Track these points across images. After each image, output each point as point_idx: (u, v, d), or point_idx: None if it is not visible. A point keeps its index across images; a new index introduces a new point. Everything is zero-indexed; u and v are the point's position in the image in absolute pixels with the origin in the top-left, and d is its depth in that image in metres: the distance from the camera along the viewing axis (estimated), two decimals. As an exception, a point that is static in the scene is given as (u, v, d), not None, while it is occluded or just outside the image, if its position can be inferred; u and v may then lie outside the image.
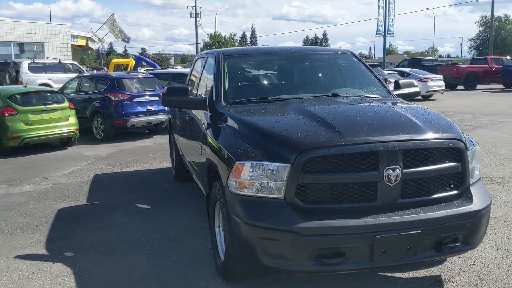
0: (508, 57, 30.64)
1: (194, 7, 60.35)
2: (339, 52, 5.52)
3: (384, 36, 32.98)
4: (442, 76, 21.86)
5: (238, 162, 3.37)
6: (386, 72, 19.23)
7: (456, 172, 3.42)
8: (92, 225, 5.53)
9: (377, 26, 32.42)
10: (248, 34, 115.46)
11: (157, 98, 12.39)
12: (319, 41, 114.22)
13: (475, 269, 4.01)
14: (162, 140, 11.62)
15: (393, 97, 4.78)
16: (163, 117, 12.32)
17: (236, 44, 69.64)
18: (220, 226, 3.91)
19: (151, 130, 13.09)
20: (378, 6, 32.16)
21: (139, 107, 12.11)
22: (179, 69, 21.95)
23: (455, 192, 3.42)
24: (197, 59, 6.18)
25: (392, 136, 3.32)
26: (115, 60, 35.32)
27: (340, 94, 4.60)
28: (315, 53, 5.48)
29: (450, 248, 3.29)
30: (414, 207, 3.29)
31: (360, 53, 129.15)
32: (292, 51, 5.41)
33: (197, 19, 60.66)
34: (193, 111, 5.13)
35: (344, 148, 3.22)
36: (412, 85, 5.10)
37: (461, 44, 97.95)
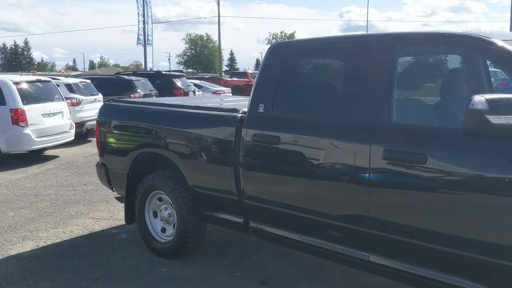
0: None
1: None
2: None
3: (145, 46, 31.08)
4: (230, 89, 21.58)
5: None
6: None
7: None
8: None
9: (138, 35, 30.27)
10: None
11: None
12: (20, 50, 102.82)
13: None
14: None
15: None
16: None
17: None
18: None
19: None
20: (138, 13, 30.06)
21: None
22: None
23: None
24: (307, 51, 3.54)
25: None
26: None
27: None
28: None
29: None
30: None
31: (67, 64, 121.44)
32: None
33: None
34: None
35: None
36: None
37: (169, 59, 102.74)
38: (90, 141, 12.39)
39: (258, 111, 3.56)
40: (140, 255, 4.52)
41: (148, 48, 31.28)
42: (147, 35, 31.28)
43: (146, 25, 30.72)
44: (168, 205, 4.37)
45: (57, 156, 10.12)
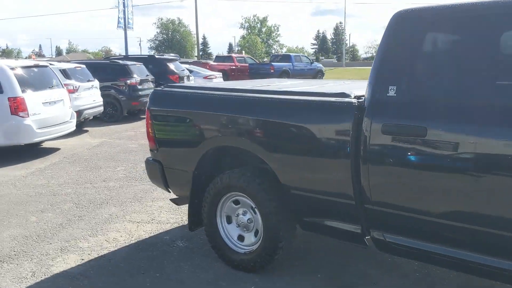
0: (246, 55, 32.11)
1: None
2: None
3: (125, 29, 29.65)
4: (221, 73, 20.74)
5: None
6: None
7: None
8: None
9: (118, 18, 28.82)
10: None
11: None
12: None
13: None
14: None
15: None
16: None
17: None
18: None
19: None
20: (118, -4, 28.64)
21: None
22: None
23: None
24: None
25: None
26: None
27: None
28: None
29: None
30: None
31: (33, 50, 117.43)
32: None
33: None
34: None
35: None
36: None
37: (140, 44, 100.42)
38: (87, 131, 11.52)
39: (388, 95, 2.88)
40: (212, 268, 3.83)
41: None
42: (128, 18, 29.85)
43: (126, 8, 29.28)
44: (248, 209, 3.68)
45: (57, 149, 9.23)
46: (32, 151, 8.91)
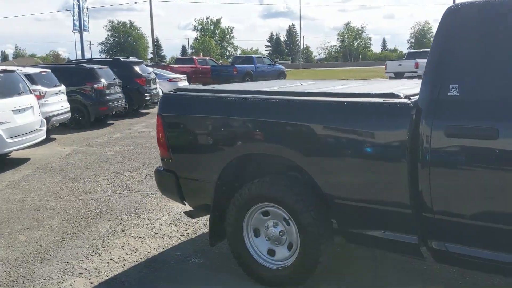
0: (207, 58, 31.69)
1: None
2: None
3: (81, 32, 28.48)
4: (185, 76, 20.28)
5: None
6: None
7: None
8: None
9: (73, 21, 27.61)
10: None
11: None
12: None
13: None
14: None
15: None
16: None
17: None
18: None
19: None
20: (73, -2, 27.47)
21: None
22: None
23: None
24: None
25: None
26: None
27: None
28: None
29: None
30: None
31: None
32: None
33: None
34: None
35: None
36: None
37: (90, 48, 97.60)
38: (55, 139, 10.86)
39: (449, 94, 2.68)
40: (242, 286, 3.51)
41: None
42: (83, 20, 28.72)
43: (81, 10, 28.14)
44: (280, 220, 3.39)
45: (27, 159, 8.61)
46: (0, 162, 8.25)
